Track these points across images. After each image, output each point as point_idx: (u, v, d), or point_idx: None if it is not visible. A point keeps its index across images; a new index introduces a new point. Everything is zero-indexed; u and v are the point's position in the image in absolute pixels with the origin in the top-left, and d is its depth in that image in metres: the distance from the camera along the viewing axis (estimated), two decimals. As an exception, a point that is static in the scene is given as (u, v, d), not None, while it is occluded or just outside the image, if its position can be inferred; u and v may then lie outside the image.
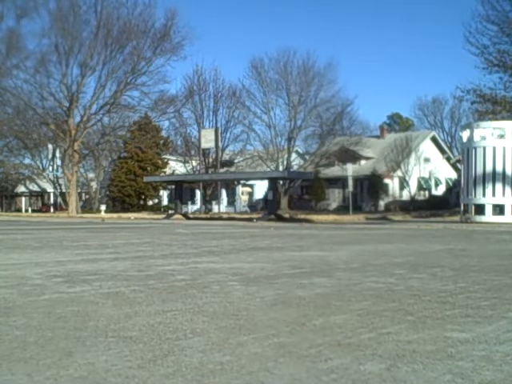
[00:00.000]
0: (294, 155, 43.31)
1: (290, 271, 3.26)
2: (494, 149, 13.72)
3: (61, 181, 41.25)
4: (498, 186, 13.69)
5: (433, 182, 47.43)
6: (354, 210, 28.35)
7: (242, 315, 1.91)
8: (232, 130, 40.78)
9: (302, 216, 19.51)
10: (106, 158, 44.23)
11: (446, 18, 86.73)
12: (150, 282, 2.75)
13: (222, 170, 36.73)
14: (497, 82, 24.02)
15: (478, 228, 10.05)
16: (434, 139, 50.27)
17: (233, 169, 40.26)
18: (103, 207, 32.86)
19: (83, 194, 47.98)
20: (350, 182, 28.38)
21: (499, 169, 13.65)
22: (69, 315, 1.91)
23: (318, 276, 3.02)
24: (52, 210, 43.25)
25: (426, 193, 46.62)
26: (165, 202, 44.72)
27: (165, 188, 42.04)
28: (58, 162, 37.03)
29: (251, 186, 46.40)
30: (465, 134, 14.67)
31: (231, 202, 44.31)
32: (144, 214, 27.20)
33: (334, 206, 41.60)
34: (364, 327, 1.74)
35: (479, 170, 13.88)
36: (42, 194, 52.31)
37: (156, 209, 38.82)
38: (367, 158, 45.23)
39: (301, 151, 46.28)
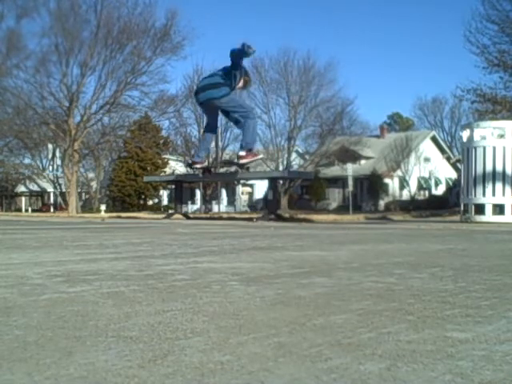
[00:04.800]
0: (294, 155, 43.32)
1: (289, 271, 3.26)
2: (494, 148, 13.72)
3: (61, 180, 41.26)
4: (498, 185, 13.68)
5: (433, 182, 47.42)
6: (353, 209, 28.36)
7: (242, 315, 1.91)
8: (232, 129, 40.81)
9: (302, 216, 19.51)
10: (106, 158, 44.26)
11: (446, 18, 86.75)
12: (150, 281, 2.74)
13: (221, 170, 36.75)
14: (497, 81, 24.06)
15: (477, 228, 10.05)
16: (433, 139, 50.27)
17: (233, 168, 40.27)
18: (103, 207, 32.86)
19: (83, 194, 47.98)
20: (350, 182, 28.41)
21: (499, 168, 13.65)
22: (69, 315, 1.91)
23: (317, 276, 3.01)
24: (52, 209, 43.25)
25: (426, 192, 46.63)
26: (165, 201, 44.71)
27: (165, 188, 42.05)
28: (58, 161, 37.04)
29: (251, 186, 46.38)
30: (465, 134, 14.66)
31: (231, 201, 44.28)
32: (144, 214, 27.20)
33: (334, 205, 41.58)
34: (364, 327, 1.74)
35: (479, 170, 13.87)
36: (42, 193, 52.32)
37: (156, 208, 38.85)
38: (367, 158, 45.22)
39: (301, 151, 46.28)
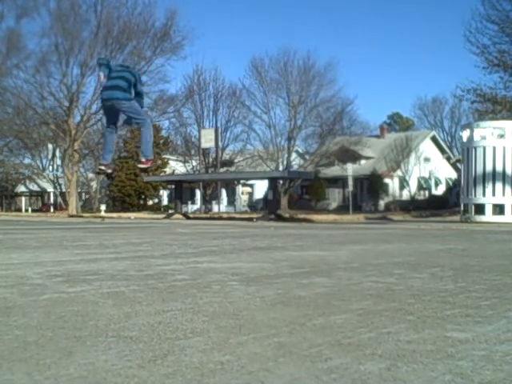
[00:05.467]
0: (294, 155, 43.34)
1: (289, 271, 3.25)
2: (494, 148, 13.71)
3: (61, 180, 41.22)
4: (498, 185, 13.68)
5: (433, 182, 47.44)
6: (353, 209, 28.36)
7: (242, 315, 1.91)
8: (232, 129, 40.83)
9: (302, 216, 19.50)
10: (106, 158, 44.11)
11: (446, 18, 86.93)
12: (150, 281, 2.74)
13: (222, 170, 36.74)
14: (497, 81, 24.04)
15: (477, 228, 10.05)
16: (433, 139, 50.30)
17: (233, 168, 40.27)
18: (103, 207, 32.84)
19: (83, 194, 47.99)
20: (350, 182, 28.39)
21: (499, 168, 13.64)
22: (69, 315, 1.90)
23: (317, 276, 3.01)
24: (52, 209, 43.23)
25: (426, 192, 46.64)
26: (165, 201, 44.74)
27: (165, 188, 42.04)
28: (58, 161, 37.00)
29: (251, 186, 46.41)
30: (465, 134, 14.66)
31: (231, 201, 44.33)
32: (144, 214, 27.20)
33: (334, 205, 41.60)
34: (364, 327, 1.74)
35: (479, 170, 13.87)
36: (42, 193, 52.32)
37: (156, 208, 38.82)
38: (367, 158, 45.24)
39: (301, 151, 46.30)
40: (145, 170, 11.81)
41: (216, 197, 38.97)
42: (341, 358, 1.39)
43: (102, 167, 12.05)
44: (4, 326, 1.74)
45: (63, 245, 5.37)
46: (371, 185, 42.39)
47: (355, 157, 43.00)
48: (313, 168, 41.35)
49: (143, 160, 11.63)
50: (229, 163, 40.65)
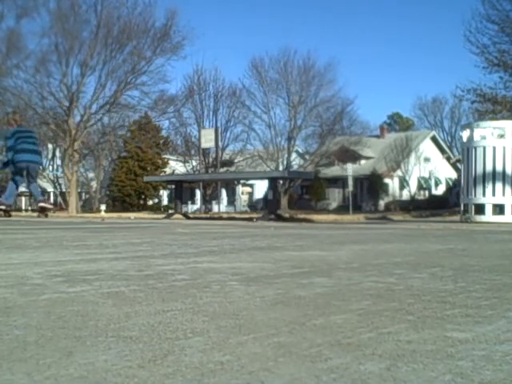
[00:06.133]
0: (294, 155, 43.37)
1: (289, 271, 3.25)
2: (494, 148, 13.71)
3: (61, 180, 41.28)
4: (498, 185, 13.67)
5: (433, 182, 47.46)
6: (353, 209, 28.37)
7: (242, 315, 1.91)
8: (232, 129, 40.94)
9: (302, 216, 19.50)
10: (106, 158, 44.29)
11: (445, 18, 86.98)
12: (150, 281, 2.74)
13: (222, 170, 36.76)
14: (497, 81, 24.10)
15: (477, 228, 10.05)
16: (433, 139, 50.33)
17: (233, 168, 40.30)
18: (103, 207, 32.85)
19: (83, 194, 48.01)
20: (350, 182, 28.42)
21: (499, 168, 13.64)
22: (69, 315, 1.90)
23: (317, 276, 3.01)
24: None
25: (426, 192, 46.67)
26: (165, 201, 44.75)
27: (165, 188, 42.09)
28: (58, 161, 37.06)
29: (251, 186, 46.43)
30: (465, 134, 14.65)
31: (231, 201, 44.33)
32: (144, 214, 27.18)
33: (334, 205, 41.61)
34: (364, 327, 1.74)
35: (479, 170, 13.87)
36: (42, 193, 52.33)
37: (156, 208, 38.87)
38: (367, 158, 45.25)
39: (301, 151, 46.35)
40: (46, 209, 15.31)
41: (216, 197, 38.99)
42: (341, 358, 1.39)
43: (3, 207, 16.95)
44: (4, 325, 1.74)
45: (63, 245, 5.37)
46: (371, 185, 42.39)
47: (355, 157, 43.05)
48: (313, 168, 41.39)
49: (42, 199, 15.09)
50: (229, 163, 40.69)
